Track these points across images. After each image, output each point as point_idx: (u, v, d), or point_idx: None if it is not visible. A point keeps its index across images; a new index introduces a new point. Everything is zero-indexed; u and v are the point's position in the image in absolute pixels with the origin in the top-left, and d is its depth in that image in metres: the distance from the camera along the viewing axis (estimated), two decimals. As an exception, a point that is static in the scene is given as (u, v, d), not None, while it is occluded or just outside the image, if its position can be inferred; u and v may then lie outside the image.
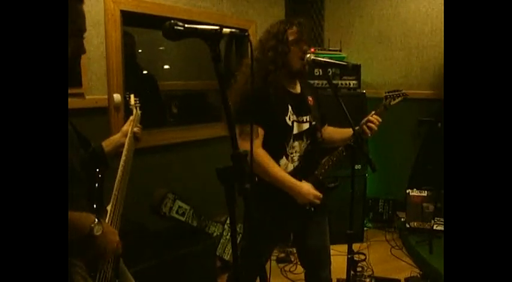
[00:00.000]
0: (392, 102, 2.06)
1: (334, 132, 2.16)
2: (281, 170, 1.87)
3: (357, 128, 1.93)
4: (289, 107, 1.90)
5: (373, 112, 2.01)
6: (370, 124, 1.95)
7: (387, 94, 2.08)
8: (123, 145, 1.67)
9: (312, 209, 1.94)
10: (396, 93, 2.07)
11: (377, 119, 1.97)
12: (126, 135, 1.70)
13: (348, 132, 2.00)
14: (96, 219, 1.24)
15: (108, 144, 1.70)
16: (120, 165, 1.57)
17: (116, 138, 1.73)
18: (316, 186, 1.92)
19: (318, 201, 1.88)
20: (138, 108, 1.88)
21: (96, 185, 1.39)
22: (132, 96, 1.94)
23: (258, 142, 1.84)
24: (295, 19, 1.96)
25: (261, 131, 1.85)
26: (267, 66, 1.88)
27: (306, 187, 1.88)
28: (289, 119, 1.90)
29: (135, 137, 1.74)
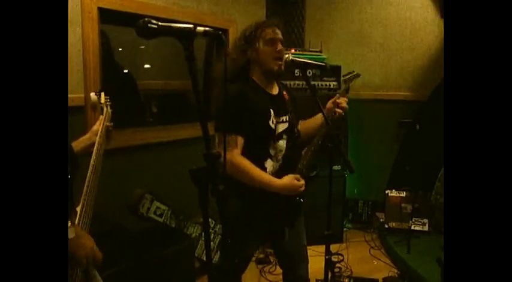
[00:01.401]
0: (351, 84, 2.13)
1: (305, 124, 2.15)
2: (263, 174, 1.85)
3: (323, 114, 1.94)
4: (271, 111, 1.90)
5: (337, 95, 2.05)
6: (341, 104, 1.99)
7: (345, 78, 2.16)
8: (93, 145, 1.64)
9: (301, 200, 1.94)
10: (351, 75, 2.14)
11: (344, 100, 2.01)
12: (96, 135, 1.68)
13: (316, 118, 2.06)
14: (70, 222, 1.21)
15: (77, 144, 1.68)
16: (91, 165, 1.54)
17: (86, 138, 1.72)
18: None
19: (303, 188, 1.87)
20: (108, 106, 1.85)
21: None
22: (102, 94, 1.90)
23: (237, 151, 1.81)
24: (270, 20, 1.97)
25: (240, 140, 1.83)
26: (243, 66, 1.89)
27: (288, 181, 1.85)
28: (272, 122, 1.90)
29: (106, 136, 1.72)
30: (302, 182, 1.87)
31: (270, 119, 1.89)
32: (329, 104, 2.03)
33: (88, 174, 1.51)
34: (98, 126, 1.73)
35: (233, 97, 1.83)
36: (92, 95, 1.88)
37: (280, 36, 1.91)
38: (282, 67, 1.90)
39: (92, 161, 1.56)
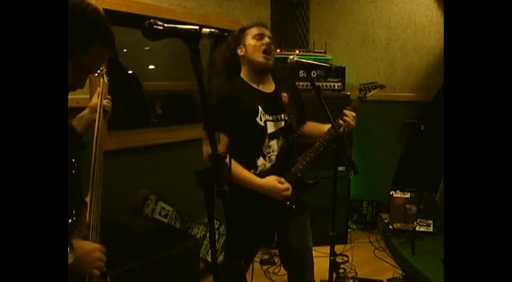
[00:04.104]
0: (368, 94, 2.05)
1: (312, 127, 2.16)
2: (244, 171, 1.86)
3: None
4: (259, 108, 1.90)
5: (348, 107, 2.01)
6: (345, 117, 1.94)
7: (362, 86, 2.07)
8: (94, 121, 1.56)
9: (293, 206, 1.94)
10: (371, 85, 2.06)
11: (351, 114, 1.95)
12: (95, 111, 1.59)
13: (325, 127, 2.01)
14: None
15: (78, 122, 1.60)
16: (94, 144, 1.45)
17: (85, 115, 1.65)
18: (294, 183, 1.92)
19: (287, 192, 1.86)
20: (104, 76, 1.72)
21: (73, 171, 1.26)
22: None
23: (220, 148, 1.81)
24: (258, 22, 2.00)
25: (223, 137, 1.84)
26: (231, 64, 1.93)
27: (269, 182, 1.86)
28: (261, 119, 1.89)
29: (105, 110, 1.63)
30: (286, 185, 1.87)
31: (257, 115, 1.89)
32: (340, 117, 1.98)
33: (93, 154, 1.42)
34: (96, 99, 1.62)
35: (218, 94, 1.86)
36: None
37: (267, 32, 1.94)
38: (270, 61, 1.91)
39: (94, 140, 1.47)
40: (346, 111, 1.96)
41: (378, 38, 4.19)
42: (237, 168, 1.84)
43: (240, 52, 1.93)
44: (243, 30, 1.95)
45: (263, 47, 1.89)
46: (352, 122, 1.95)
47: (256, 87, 1.95)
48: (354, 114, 1.97)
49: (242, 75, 1.96)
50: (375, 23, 4.19)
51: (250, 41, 1.91)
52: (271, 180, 1.86)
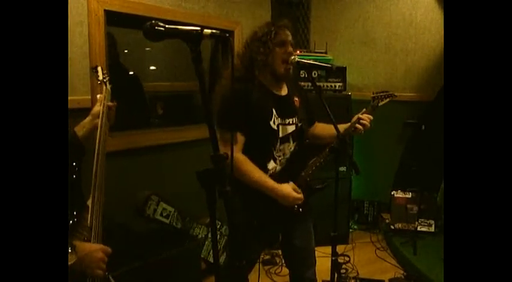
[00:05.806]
0: (380, 103, 2.09)
1: (323, 129, 2.16)
2: (261, 174, 1.85)
3: (346, 126, 1.96)
4: (273, 111, 1.89)
5: (363, 111, 2.03)
6: (362, 121, 1.97)
7: (375, 95, 2.10)
8: (96, 128, 1.57)
9: (300, 209, 1.94)
10: (384, 94, 2.09)
11: (368, 117, 2.00)
12: (98, 117, 1.60)
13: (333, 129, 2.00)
14: (69, 248, 1.16)
15: (80, 129, 1.61)
16: (96, 150, 1.47)
17: (87, 122, 1.65)
18: (304, 188, 1.92)
19: (299, 202, 1.87)
20: (107, 83, 1.74)
21: (74, 176, 1.30)
22: (99, 69, 1.76)
23: (237, 148, 1.80)
24: (282, 21, 1.95)
25: (240, 137, 1.83)
26: (249, 67, 1.89)
27: (285, 189, 1.86)
28: (274, 122, 1.89)
29: (108, 117, 1.64)
30: (300, 195, 1.87)
31: (271, 119, 1.88)
32: (354, 118, 2.01)
33: (94, 160, 1.43)
34: (99, 107, 1.63)
35: (235, 95, 1.84)
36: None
37: (290, 38, 1.91)
38: (290, 71, 1.91)
39: (96, 146, 1.48)
40: (362, 115, 1.99)
41: (378, 38, 4.19)
42: (253, 169, 1.83)
43: (261, 57, 1.87)
44: (269, 32, 1.87)
45: (285, 56, 1.88)
46: (369, 125, 1.99)
47: (272, 89, 1.95)
48: (371, 117, 2.01)
49: (260, 76, 1.92)
50: (376, 23, 4.18)
51: (274, 47, 1.87)
52: (288, 188, 1.86)
